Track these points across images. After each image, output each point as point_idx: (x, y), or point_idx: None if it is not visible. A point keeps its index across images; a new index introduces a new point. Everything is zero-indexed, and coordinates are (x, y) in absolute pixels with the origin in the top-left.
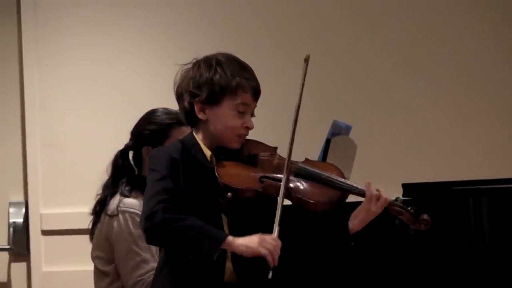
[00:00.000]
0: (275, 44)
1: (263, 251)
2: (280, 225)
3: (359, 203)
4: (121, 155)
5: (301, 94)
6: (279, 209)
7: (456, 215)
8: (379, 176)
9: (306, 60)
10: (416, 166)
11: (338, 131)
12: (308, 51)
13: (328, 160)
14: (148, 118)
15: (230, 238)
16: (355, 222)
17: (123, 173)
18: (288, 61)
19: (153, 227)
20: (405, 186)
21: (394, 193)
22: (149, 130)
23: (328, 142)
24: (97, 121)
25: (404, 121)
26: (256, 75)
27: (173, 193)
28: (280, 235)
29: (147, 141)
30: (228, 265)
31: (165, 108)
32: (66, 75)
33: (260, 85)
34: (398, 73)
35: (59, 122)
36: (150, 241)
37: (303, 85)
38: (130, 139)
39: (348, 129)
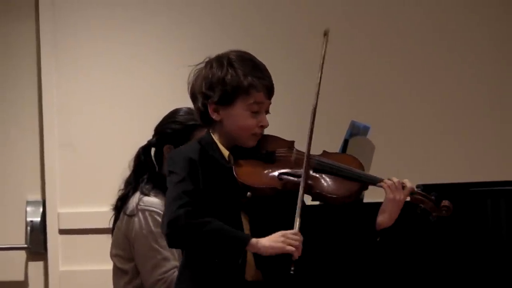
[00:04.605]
0: (288, 40)
1: (290, 248)
2: (301, 216)
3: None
4: (144, 151)
5: (321, 73)
6: (300, 201)
7: (474, 216)
8: (396, 176)
9: (326, 34)
10: (434, 167)
11: (356, 131)
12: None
13: None
14: (172, 117)
15: (253, 240)
16: (385, 215)
17: (145, 169)
18: (302, 57)
19: (176, 232)
20: (423, 187)
21: None
22: (171, 129)
23: (346, 142)
24: (114, 120)
25: (421, 122)
26: (272, 70)
27: (193, 195)
28: (301, 230)
29: (169, 139)
30: (250, 261)
31: (189, 108)
32: (84, 75)
33: (277, 81)
34: (417, 74)
35: (76, 122)
36: (172, 245)
37: (323, 61)
38: (153, 136)
39: (366, 129)
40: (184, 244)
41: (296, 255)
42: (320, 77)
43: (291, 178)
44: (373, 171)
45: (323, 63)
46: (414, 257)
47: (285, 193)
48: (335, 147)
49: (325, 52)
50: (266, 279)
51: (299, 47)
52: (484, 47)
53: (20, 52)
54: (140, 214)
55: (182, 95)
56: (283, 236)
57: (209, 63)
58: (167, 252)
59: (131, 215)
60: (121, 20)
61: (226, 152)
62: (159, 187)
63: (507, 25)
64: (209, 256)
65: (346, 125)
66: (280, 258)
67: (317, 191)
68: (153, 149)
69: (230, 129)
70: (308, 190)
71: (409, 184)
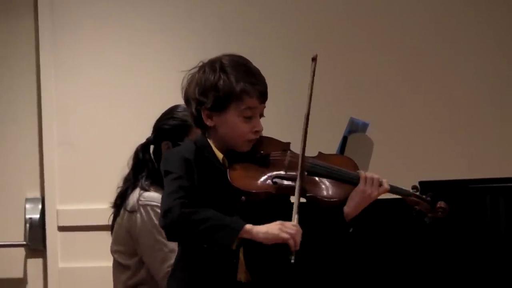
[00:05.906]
0: (286, 39)
1: (285, 235)
2: (299, 213)
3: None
4: (142, 149)
5: (310, 96)
6: (297, 197)
7: (473, 213)
8: (396, 173)
9: (314, 59)
10: (433, 165)
11: (355, 128)
12: (322, 46)
13: None
14: (170, 113)
15: (248, 226)
16: (351, 205)
17: (144, 167)
18: (299, 57)
19: (171, 222)
20: (422, 184)
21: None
22: (169, 125)
23: (345, 139)
24: (113, 118)
25: (421, 120)
26: (266, 73)
27: (189, 191)
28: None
29: (167, 136)
30: (241, 263)
31: None
32: (82, 73)
33: (271, 83)
34: (417, 72)
35: (75, 120)
36: (169, 237)
37: (312, 86)
38: (152, 133)
39: (365, 126)
40: (181, 234)
41: (292, 243)
42: (309, 110)
43: (286, 182)
44: (372, 168)
45: (311, 90)
46: (413, 254)
47: (280, 197)
48: (335, 145)
49: (313, 79)
50: (255, 279)
51: (298, 46)
52: (484, 45)
53: (19, 50)
54: (141, 209)
55: (181, 94)
56: (280, 224)
57: (202, 68)
58: (172, 244)
59: (133, 211)
60: (120, 18)
61: (220, 155)
62: (158, 183)
63: (507, 23)
64: (205, 244)
65: (345, 122)
66: (272, 258)
67: (311, 194)
68: (151, 147)
69: (224, 135)
70: (303, 193)
71: (386, 185)
